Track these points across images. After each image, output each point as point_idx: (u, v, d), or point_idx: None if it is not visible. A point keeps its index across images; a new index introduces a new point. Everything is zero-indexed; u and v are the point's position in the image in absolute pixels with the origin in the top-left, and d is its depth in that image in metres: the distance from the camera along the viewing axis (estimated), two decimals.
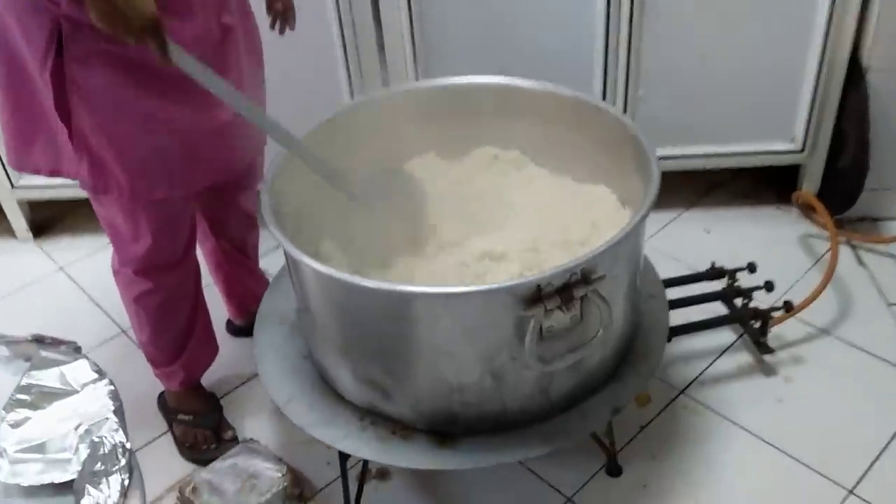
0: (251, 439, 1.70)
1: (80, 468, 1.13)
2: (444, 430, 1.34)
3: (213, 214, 1.74)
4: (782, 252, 2.14)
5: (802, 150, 2.17)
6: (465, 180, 1.66)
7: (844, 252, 2.10)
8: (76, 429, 1.21)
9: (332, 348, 1.38)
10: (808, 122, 2.12)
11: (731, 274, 1.87)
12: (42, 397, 1.26)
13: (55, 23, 1.22)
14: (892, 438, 1.62)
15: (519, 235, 1.48)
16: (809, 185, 2.23)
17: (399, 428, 1.35)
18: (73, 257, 2.37)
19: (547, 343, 1.23)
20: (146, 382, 1.76)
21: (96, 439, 1.17)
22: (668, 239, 2.21)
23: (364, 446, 1.34)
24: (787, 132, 2.16)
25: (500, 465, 1.32)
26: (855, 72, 2.04)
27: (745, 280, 1.85)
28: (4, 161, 2.23)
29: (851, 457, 1.60)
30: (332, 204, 1.50)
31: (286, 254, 1.31)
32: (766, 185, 2.37)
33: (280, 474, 1.57)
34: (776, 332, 1.83)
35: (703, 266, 1.93)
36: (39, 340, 1.38)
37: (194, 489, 1.55)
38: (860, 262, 2.09)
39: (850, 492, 1.54)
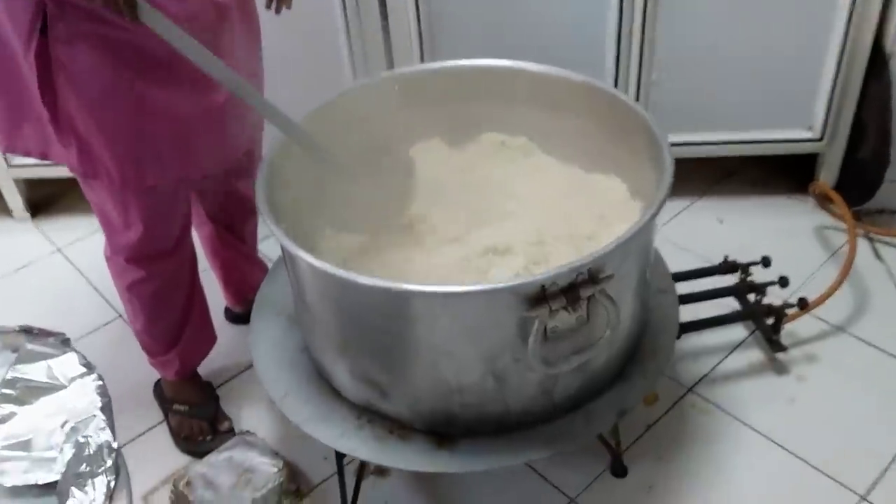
0: (248, 431, 1.66)
1: (63, 469, 1.11)
2: (443, 430, 1.29)
3: (209, 199, 1.69)
4: (797, 244, 2.08)
5: (821, 139, 2.11)
6: (469, 168, 1.60)
7: (862, 245, 2.04)
8: (62, 426, 1.19)
9: (329, 344, 1.33)
10: (828, 110, 2.05)
11: (745, 268, 1.80)
12: (28, 392, 1.24)
13: (40, 3, 1.18)
14: None
15: (524, 227, 1.43)
16: (827, 175, 2.17)
17: (397, 427, 1.31)
18: (71, 238, 2.32)
19: (551, 344, 1.18)
20: (142, 370, 1.72)
21: (81, 440, 1.14)
22: (681, 227, 2.15)
23: (361, 445, 1.30)
24: (805, 120, 2.09)
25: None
26: (878, 60, 1.97)
27: (758, 274, 1.79)
28: None
29: (865, 461, 1.55)
30: (332, 192, 1.45)
31: (282, 247, 1.26)
32: (780, 173, 2.30)
33: (276, 469, 1.54)
34: (789, 329, 1.78)
35: (714, 257, 1.88)
36: (27, 331, 1.36)
37: (188, 483, 1.52)
38: (878, 255, 2.03)
39: (863, 498, 1.49)
